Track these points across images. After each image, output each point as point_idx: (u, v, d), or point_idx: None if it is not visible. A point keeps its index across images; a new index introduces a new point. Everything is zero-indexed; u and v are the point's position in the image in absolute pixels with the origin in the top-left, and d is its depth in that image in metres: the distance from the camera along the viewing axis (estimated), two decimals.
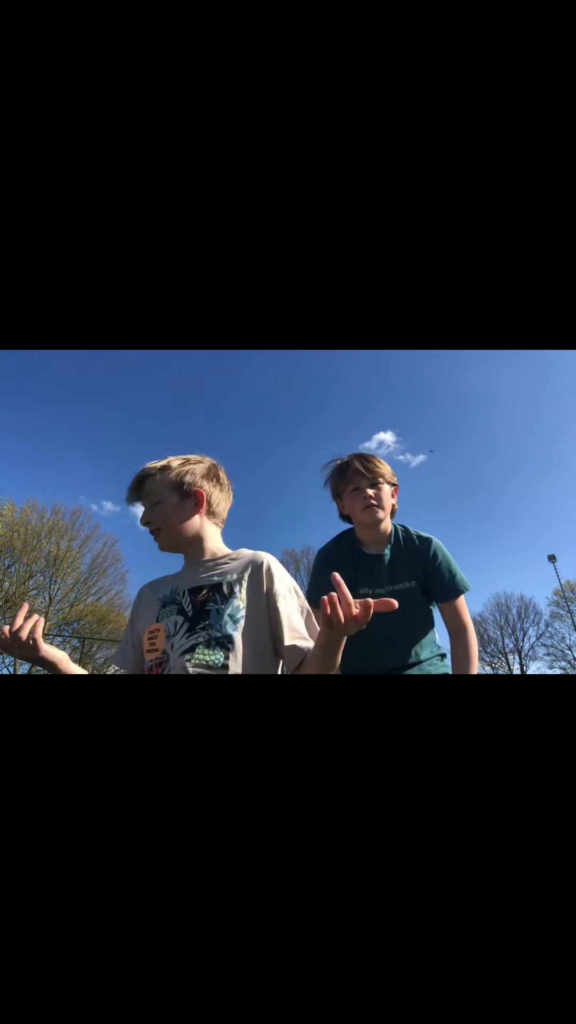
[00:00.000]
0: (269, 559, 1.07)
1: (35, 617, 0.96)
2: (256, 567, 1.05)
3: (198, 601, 1.02)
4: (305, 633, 1.00)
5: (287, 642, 0.98)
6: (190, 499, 1.11)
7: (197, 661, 0.95)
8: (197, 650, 0.96)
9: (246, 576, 1.04)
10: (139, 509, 1.15)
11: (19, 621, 0.94)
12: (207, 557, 1.10)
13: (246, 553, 1.10)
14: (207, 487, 1.13)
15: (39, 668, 1.00)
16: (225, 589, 1.03)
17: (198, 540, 1.11)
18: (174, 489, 1.11)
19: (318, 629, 0.93)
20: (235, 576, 1.04)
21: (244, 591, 1.03)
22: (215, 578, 1.05)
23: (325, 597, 0.82)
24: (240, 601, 1.01)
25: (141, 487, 1.12)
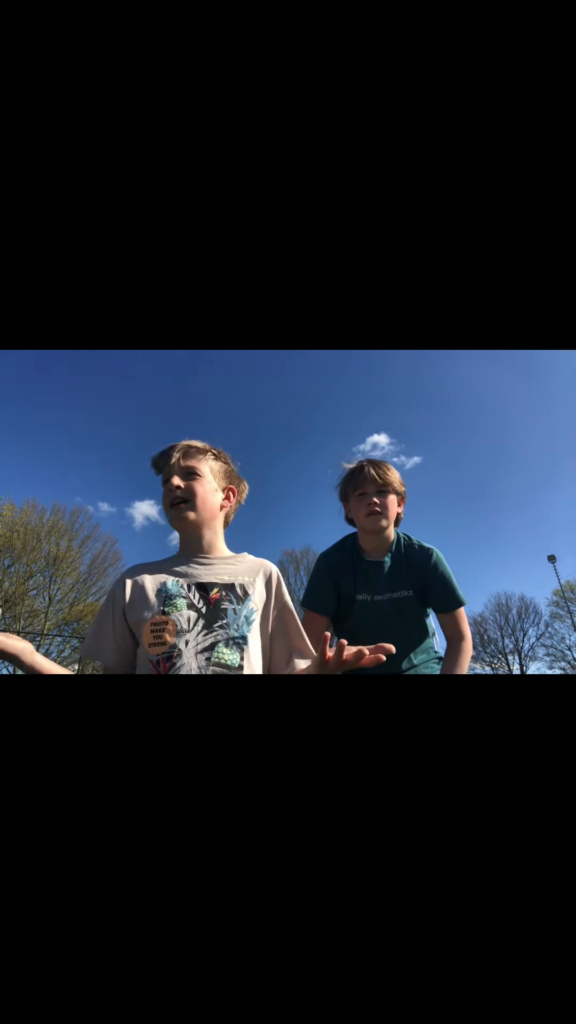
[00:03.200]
0: (277, 569, 1.10)
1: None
2: (267, 574, 1.08)
3: (211, 598, 1.00)
4: (304, 651, 1.06)
5: (296, 660, 1.03)
6: (223, 491, 1.13)
7: (217, 660, 0.94)
8: (217, 649, 0.95)
9: (257, 580, 1.06)
10: (161, 477, 1.12)
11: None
12: (213, 553, 1.09)
13: (251, 558, 1.11)
14: (238, 487, 1.17)
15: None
16: (239, 590, 1.03)
17: (212, 532, 1.10)
18: (217, 473, 1.13)
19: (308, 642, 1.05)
20: (247, 578, 1.05)
21: (256, 595, 1.03)
22: (225, 577, 1.04)
23: (328, 648, 0.86)
24: (254, 604, 1.02)
25: (187, 454, 1.10)
